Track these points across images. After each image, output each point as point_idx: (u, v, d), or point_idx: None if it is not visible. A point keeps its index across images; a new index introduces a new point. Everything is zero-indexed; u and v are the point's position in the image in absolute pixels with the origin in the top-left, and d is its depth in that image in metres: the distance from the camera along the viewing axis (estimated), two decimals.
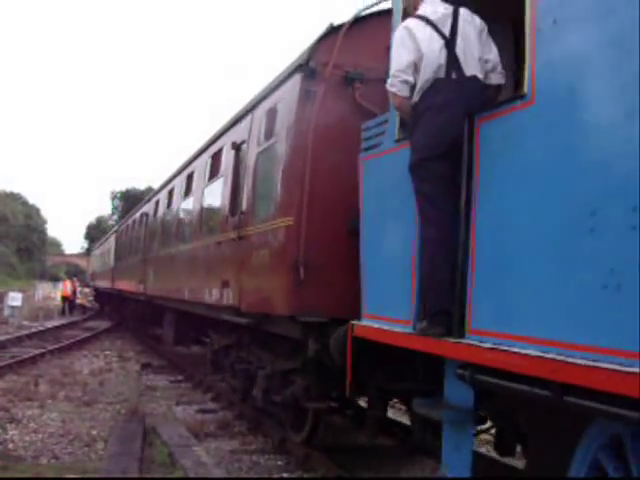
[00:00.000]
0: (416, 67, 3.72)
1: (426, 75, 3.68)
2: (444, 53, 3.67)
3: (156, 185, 20.97)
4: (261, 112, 6.97)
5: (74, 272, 61.14)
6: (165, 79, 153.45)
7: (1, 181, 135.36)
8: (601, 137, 2.66)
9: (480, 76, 3.68)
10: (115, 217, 75.56)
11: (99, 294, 30.05)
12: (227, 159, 8.23)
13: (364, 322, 4.55)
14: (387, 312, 4.30)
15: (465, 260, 3.42)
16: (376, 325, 4.36)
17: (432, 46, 3.68)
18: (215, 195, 8.69)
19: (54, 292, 43.23)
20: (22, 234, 71.90)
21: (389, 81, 3.85)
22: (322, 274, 5.49)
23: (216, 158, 9.04)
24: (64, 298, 32.91)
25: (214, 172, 9.08)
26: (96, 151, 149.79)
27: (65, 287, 33.78)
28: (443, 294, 3.58)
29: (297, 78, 5.84)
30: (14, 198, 76.26)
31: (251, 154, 7.12)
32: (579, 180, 2.73)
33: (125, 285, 18.38)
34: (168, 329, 13.49)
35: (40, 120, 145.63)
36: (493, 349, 3.08)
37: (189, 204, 10.62)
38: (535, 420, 3.41)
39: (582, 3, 2.83)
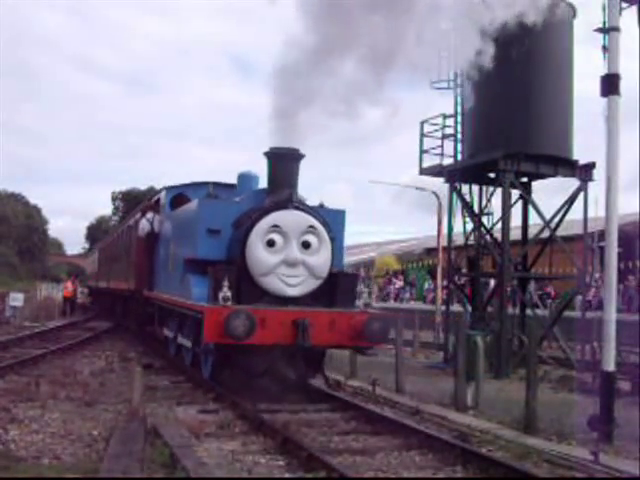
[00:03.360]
0: (143, 229, 15.62)
1: (144, 232, 15.51)
2: (150, 227, 15.21)
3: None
4: (134, 219, 18.09)
5: (76, 273, 61.09)
6: (166, 78, 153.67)
7: (2, 181, 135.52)
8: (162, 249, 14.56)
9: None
10: (116, 218, 75.48)
11: (92, 291, 37.63)
12: (129, 230, 19.52)
13: (146, 291, 15.41)
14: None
15: (154, 270, 15.10)
16: (146, 291, 15.42)
17: (144, 224, 15.52)
18: (127, 242, 19.60)
19: (55, 292, 43.27)
20: (23, 234, 71.85)
21: (139, 232, 16.06)
22: (144, 278, 15.70)
23: (128, 228, 20.06)
24: (65, 298, 32.94)
25: (127, 233, 20.04)
26: (97, 151, 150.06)
27: (66, 287, 33.82)
28: (150, 280, 15.26)
29: (139, 214, 16.91)
30: (15, 198, 76.22)
31: (132, 232, 18.19)
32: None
33: (102, 284, 27.86)
34: (119, 309, 22.70)
35: (41, 119, 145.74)
36: (160, 295, 13.69)
37: (121, 245, 21.39)
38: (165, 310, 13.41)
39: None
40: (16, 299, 25.84)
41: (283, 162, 10.55)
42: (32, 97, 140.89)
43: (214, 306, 9.30)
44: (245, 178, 12.30)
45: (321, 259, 10.16)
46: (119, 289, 20.63)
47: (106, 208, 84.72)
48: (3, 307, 26.50)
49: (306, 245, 10.05)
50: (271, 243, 9.90)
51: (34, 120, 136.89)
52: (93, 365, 13.39)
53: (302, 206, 10.44)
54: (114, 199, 79.43)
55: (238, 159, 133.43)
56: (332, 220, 10.97)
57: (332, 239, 10.56)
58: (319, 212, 10.77)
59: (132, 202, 62.56)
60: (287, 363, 9.79)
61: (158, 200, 15.38)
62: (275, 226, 9.92)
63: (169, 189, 14.60)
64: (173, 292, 12.23)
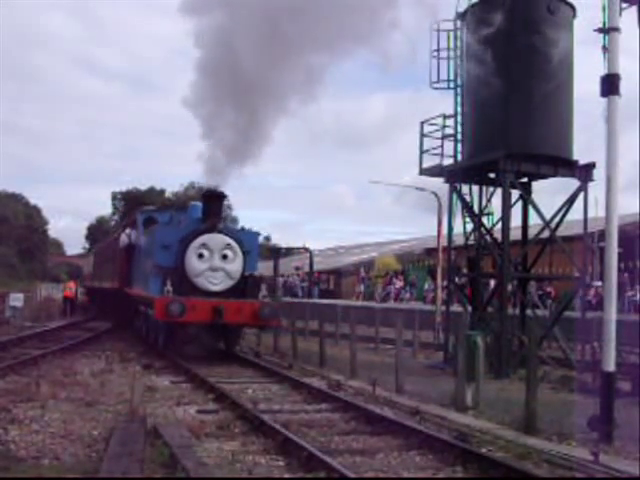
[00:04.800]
0: (124, 242, 20.46)
1: (124, 243, 20.39)
2: (128, 240, 20.23)
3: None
4: (118, 233, 23.43)
5: (76, 273, 61.03)
6: (166, 78, 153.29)
7: (2, 181, 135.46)
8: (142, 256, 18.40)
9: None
10: (116, 217, 75.39)
11: (88, 290, 39.24)
12: (116, 240, 22.86)
13: (127, 289, 19.72)
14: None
15: (131, 273, 19.81)
16: (127, 289, 19.74)
17: (124, 238, 20.53)
18: (114, 250, 22.86)
19: (55, 293, 43.25)
20: (23, 235, 71.77)
21: (120, 243, 20.93)
22: (125, 278, 20.28)
23: (115, 238, 23.71)
24: (65, 298, 32.91)
25: (115, 242, 23.10)
26: (97, 151, 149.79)
27: (70, 287, 33.81)
28: (129, 280, 19.71)
29: (121, 230, 22.99)
30: (15, 199, 76.15)
31: (118, 242, 21.78)
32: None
33: (96, 283, 31.20)
34: (109, 305, 26.22)
35: (41, 120, 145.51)
36: (134, 291, 18.49)
37: (110, 251, 25.19)
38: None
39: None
40: (16, 299, 25.84)
41: (211, 200, 15.61)
42: (32, 97, 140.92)
43: (160, 296, 14.21)
44: (194, 207, 17.00)
45: (235, 266, 15.11)
46: (108, 287, 25.16)
47: (106, 208, 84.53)
48: (3, 307, 26.50)
49: (225, 257, 15.01)
50: (201, 255, 14.90)
51: (34, 120, 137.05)
52: (93, 365, 13.38)
53: (224, 230, 15.61)
54: (114, 199, 79.28)
55: None
56: (248, 239, 15.99)
57: (246, 252, 15.32)
58: (237, 234, 15.92)
59: (132, 202, 62.49)
60: (212, 335, 15.13)
61: (135, 220, 20.31)
62: (204, 244, 14.92)
63: (143, 212, 20.35)
64: (141, 289, 16.93)
